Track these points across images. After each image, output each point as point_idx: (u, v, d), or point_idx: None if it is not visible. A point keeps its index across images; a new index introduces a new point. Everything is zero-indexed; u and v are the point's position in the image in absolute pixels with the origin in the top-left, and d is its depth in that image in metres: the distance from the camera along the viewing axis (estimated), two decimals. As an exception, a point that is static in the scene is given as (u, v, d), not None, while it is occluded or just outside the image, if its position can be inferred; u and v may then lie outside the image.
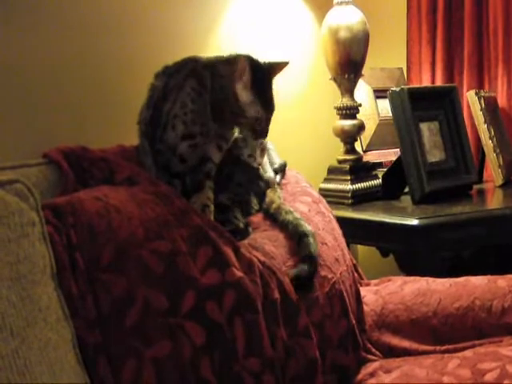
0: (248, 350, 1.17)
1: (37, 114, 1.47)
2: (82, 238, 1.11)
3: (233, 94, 1.27)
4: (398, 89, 1.87)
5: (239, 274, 1.20)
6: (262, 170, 1.49)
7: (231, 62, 1.29)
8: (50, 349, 0.96)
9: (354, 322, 1.42)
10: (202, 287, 1.14)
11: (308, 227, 1.38)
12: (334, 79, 1.94)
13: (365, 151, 2.15)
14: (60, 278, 1.05)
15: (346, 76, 1.91)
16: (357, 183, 1.95)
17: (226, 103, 1.29)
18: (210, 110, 1.30)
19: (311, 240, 1.35)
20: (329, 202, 1.84)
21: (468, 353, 1.37)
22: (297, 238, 1.36)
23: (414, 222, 1.72)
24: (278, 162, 1.58)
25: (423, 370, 1.30)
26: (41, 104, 1.48)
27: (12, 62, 1.42)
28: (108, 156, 1.34)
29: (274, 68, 1.32)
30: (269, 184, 1.49)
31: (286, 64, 1.33)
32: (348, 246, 2.09)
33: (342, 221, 1.64)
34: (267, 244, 1.35)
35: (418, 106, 1.88)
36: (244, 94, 1.27)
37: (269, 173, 1.52)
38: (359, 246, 2.27)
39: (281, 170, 1.59)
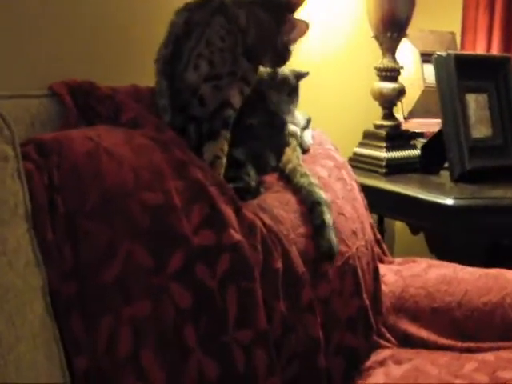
0: (240, 321, 1.08)
1: (44, 45, 1.38)
2: (66, 179, 1.04)
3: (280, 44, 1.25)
4: (444, 53, 1.74)
5: (237, 236, 1.11)
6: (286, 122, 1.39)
7: (278, 16, 1.24)
8: (11, 296, 0.89)
9: (367, 302, 1.32)
10: (192, 247, 1.06)
11: (323, 195, 1.27)
12: (376, 37, 1.83)
13: (406, 118, 2.04)
14: (35, 221, 0.98)
15: (389, 35, 1.80)
16: (392, 151, 1.85)
17: (266, 49, 1.25)
18: (244, 52, 1.23)
19: (325, 209, 1.24)
20: (361, 169, 1.82)
21: (489, 356, 1.25)
22: (309, 204, 1.26)
23: (449, 201, 1.60)
24: (302, 120, 1.45)
25: (436, 367, 1.20)
26: (48, 34, 1.39)
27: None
28: (116, 94, 1.26)
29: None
30: (289, 141, 1.37)
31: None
32: (382, 219, 2.01)
33: (372, 190, 1.58)
34: (277, 207, 1.25)
35: (466, 74, 1.74)
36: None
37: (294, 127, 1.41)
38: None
39: (307, 126, 1.47)
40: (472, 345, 1.32)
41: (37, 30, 1.37)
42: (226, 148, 1.25)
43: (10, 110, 1.13)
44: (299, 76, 1.39)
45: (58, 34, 1.40)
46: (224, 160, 1.24)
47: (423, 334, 1.37)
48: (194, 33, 1.23)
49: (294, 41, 1.26)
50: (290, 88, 1.38)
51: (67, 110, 1.20)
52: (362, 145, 1.91)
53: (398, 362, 1.27)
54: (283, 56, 1.27)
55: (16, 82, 1.30)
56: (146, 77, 1.30)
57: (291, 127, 1.40)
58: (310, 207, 1.25)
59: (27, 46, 1.36)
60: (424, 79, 2.06)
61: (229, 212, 1.12)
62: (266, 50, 1.26)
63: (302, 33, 1.25)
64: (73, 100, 1.22)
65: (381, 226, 2.03)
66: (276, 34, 1.24)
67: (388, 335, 1.38)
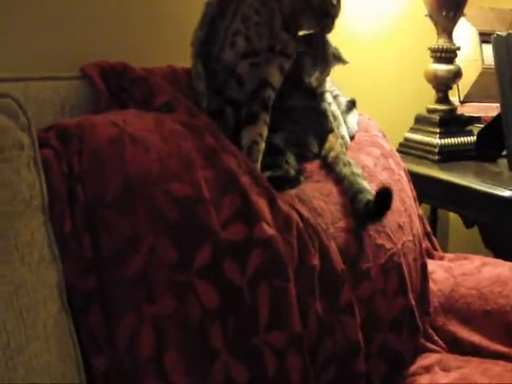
0: (272, 322, 1.01)
1: (78, 26, 1.33)
2: (87, 167, 0.98)
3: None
4: (504, 33, 1.62)
5: (271, 231, 1.03)
6: (327, 106, 1.30)
7: None
8: (22, 293, 0.84)
9: (413, 302, 1.24)
10: (221, 242, 0.99)
11: (366, 185, 1.18)
12: (430, 16, 1.72)
13: (462, 102, 1.91)
14: (53, 211, 0.92)
15: (445, 13, 1.68)
16: (446, 138, 1.74)
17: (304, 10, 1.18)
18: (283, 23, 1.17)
19: (369, 197, 1.15)
20: (412, 156, 1.74)
21: (547, 368, 1.16)
22: (350, 195, 1.17)
23: (506, 192, 1.49)
24: (343, 102, 1.36)
25: (486, 378, 1.12)
26: (83, 14, 1.33)
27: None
28: (150, 76, 1.21)
29: None
30: (332, 126, 1.28)
31: None
32: (435, 210, 1.90)
33: (423, 179, 1.53)
34: (317, 198, 1.17)
35: (528, 56, 1.63)
36: None
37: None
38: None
39: (350, 108, 1.38)
40: (528, 353, 1.23)
41: (71, 10, 1.32)
42: (265, 133, 1.18)
43: (39, 92, 1.10)
44: (337, 57, 1.29)
45: (93, 15, 1.35)
46: (262, 146, 1.17)
47: (474, 338, 1.28)
48: (227, 10, 1.17)
49: None
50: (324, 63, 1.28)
51: (98, 92, 1.15)
52: (413, 130, 1.81)
53: (446, 370, 1.19)
54: (325, 11, 1.18)
55: (49, 64, 1.26)
56: (184, 58, 1.24)
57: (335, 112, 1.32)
58: (351, 198, 1.17)
59: (61, 27, 1.31)
60: (483, 60, 1.94)
61: (262, 204, 1.05)
62: (304, 13, 1.18)
63: None
64: (104, 82, 1.17)
65: (433, 217, 1.92)
66: None
67: (436, 337, 1.30)
